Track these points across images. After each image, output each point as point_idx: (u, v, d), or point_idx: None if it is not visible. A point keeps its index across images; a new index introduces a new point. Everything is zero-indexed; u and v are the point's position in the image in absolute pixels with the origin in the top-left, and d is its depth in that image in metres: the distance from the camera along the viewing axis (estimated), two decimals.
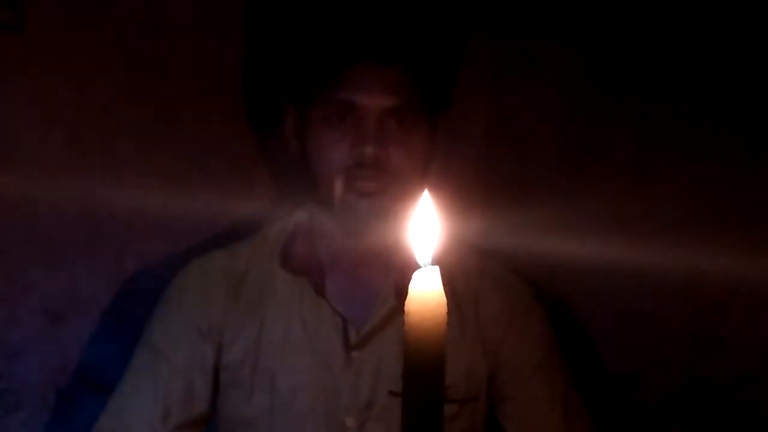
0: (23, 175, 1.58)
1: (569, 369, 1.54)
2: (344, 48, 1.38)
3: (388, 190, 1.38)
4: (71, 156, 1.62)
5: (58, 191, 1.60)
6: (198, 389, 1.44)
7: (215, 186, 1.72)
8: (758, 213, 1.79)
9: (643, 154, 1.84)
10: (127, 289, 1.67)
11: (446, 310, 0.79)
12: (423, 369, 0.81)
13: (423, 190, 0.88)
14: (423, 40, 1.43)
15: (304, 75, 1.42)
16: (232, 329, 1.45)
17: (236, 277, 1.48)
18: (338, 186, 1.39)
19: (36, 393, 1.63)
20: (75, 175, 1.62)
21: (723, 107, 1.79)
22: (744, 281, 1.76)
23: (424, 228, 0.84)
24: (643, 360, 1.85)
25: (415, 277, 0.79)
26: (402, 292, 1.29)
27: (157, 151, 1.68)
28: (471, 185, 1.81)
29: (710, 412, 1.82)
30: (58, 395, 1.64)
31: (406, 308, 0.80)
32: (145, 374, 1.44)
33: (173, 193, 1.69)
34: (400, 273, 1.43)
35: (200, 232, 1.70)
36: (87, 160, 1.63)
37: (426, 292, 0.79)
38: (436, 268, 0.79)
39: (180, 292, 1.49)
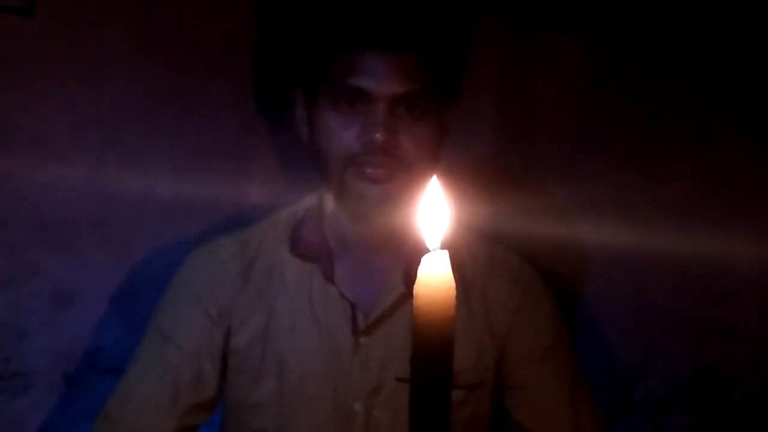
0: (32, 159, 1.59)
1: (576, 356, 1.54)
2: (354, 34, 1.37)
3: (398, 177, 1.38)
4: (80, 140, 1.62)
5: (67, 175, 1.61)
6: (206, 374, 1.44)
7: (224, 171, 1.72)
8: (767, 202, 1.79)
9: (651, 142, 1.83)
10: (135, 272, 1.67)
11: (455, 294, 0.79)
12: (431, 354, 0.81)
13: (432, 177, 0.88)
14: (433, 27, 1.42)
15: (314, 61, 1.42)
16: (241, 314, 1.45)
17: (245, 262, 1.48)
18: (348, 173, 1.39)
19: (45, 376, 1.63)
20: (83, 159, 1.62)
21: (732, 96, 1.78)
22: (752, 271, 1.76)
23: (433, 213, 0.84)
24: (650, 349, 1.85)
25: (424, 261, 0.79)
26: (411, 279, 1.30)
27: (167, 135, 1.68)
28: (479, 172, 1.81)
29: (718, 401, 1.82)
30: (66, 379, 1.65)
31: (414, 292, 0.79)
32: (153, 358, 1.44)
33: (182, 179, 1.69)
34: (409, 259, 1.43)
35: (209, 218, 1.71)
36: (96, 144, 1.63)
37: (435, 276, 0.79)
38: (445, 252, 0.79)
39: (189, 277, 1.49)
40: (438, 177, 0.89)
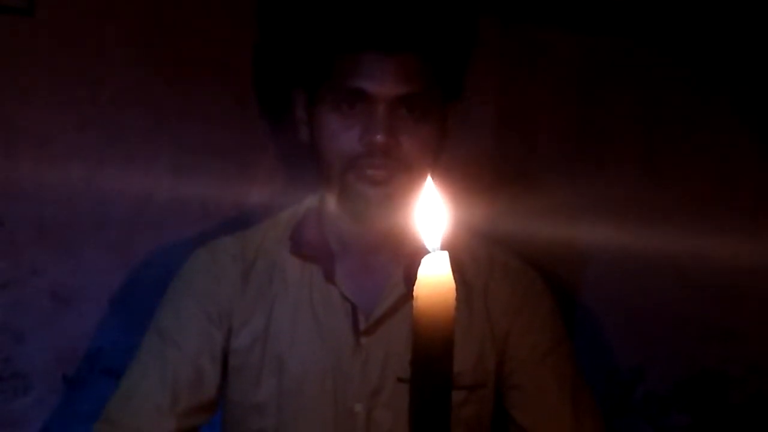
0: (32, 159, 1.59)
1: (576, 357, 1.54)
2: (355, 35, 1.38)
3: (398, 178, 1.38)
4: (80, 140, 1.62)
5: (68, 175, 1.61)
6: (207, 374, 1.44)
7: (224, 172, 1.72)
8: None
9: (652, 142, 1.83)
10: (135, 273, 1.67)
11: (455, 295, 0.79)
12: (431, 355, 0.81)
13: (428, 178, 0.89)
14: (434, 28, 1.42)
15: (315, 62, 1.42)
16: (241, 315, 1.45)
17: (246, 263, 1.48)
18: (348, 174, 1.39)
19: (44, 377, 1.63)
20: (84, 160, 1.62)
21: (733, 95, 1.78)
22: (752, 272, 1.76)
23: (432, 214, 0.84)
24: (650, 350, 1.85)
25: (424, 262, 0.79)
26: (411, 279, 1.29)
27: (167, 136, 1.68)
28: (480, 173, 1.81)
29: (717, 402, 1.82)
30: (66, 379, 1.65)
31: (414, 293, 0.79)
32: (154, 359, 1.44)
33: (182, 180, 1.69)
34: (409, 260, 1.43)
35: (209, 218, 1.71)
36: (96, 144, 1.63)
37: (435, 277, 0.79)
38: (446, 254, 0.79)
39: (190, 277, 1.49)
40: (435, 177, 0.89)
